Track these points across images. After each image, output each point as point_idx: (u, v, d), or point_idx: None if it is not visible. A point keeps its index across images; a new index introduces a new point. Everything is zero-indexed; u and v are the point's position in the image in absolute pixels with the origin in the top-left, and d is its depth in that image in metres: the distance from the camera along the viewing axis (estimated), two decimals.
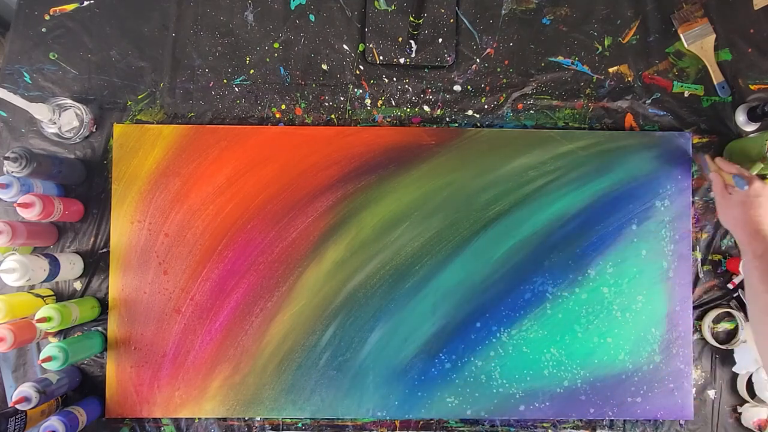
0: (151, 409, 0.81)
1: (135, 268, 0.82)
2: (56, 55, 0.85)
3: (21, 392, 0.69)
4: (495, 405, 0.82)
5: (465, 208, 0.83)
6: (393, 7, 0.86)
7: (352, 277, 0.82)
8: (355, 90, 0.86)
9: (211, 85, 0.86)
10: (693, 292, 0.84)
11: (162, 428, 0.82)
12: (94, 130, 0.84)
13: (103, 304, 0.82)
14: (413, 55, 0.86)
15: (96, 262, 0.83)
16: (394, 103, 0.86)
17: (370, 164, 0.83)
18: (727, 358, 0.84)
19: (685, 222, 0.84)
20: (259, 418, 0.82)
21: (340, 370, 0.82)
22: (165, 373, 0.81)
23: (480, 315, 0.82)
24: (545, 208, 0.83)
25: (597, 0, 0.87)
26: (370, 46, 0.86)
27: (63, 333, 0.82)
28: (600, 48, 0.87)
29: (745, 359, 0.82)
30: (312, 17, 0.87)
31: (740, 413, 0.84)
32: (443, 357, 0.82)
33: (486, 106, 0.87)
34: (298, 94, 0.86)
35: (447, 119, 0.86)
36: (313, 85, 0.86)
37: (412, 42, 0.85)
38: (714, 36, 0.86)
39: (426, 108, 0.86)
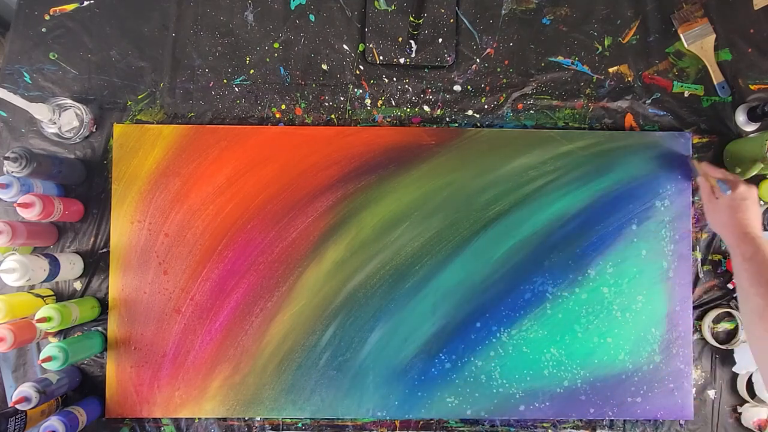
0: (151, 409, 0.81)
1: (135, 268, 0.82)
2: (56, 55, 0.85)
3: (21, 392, 0.69)
4: (495, 405, 0.82)
5: (465, 208, 0.83)
6: (393, 7, 0.86)
7: (352, 277, 0.82)
8: (355, 90, 0.86)
9: (211, 85, 0.86)
10: (693, 292, 0.84)
11: (162, 428, 0.82)
12: (94, 130, 0.84)
13: (103, 304, 0.82)
14: (413, 55, 0.86)
15: (96, 262, 0.83)
16: (394, 103, 0.86)
17: (370, 164, 0.83)
18: (727, 358, 0.84)
19: (685, 222, 0.84)
20: (259, 418, 0.82)
21: (340, 370, 0.82)
22: (165, 373, 0.81)
23: (480, 315, 0.82)
24: (545, 208, 0.83)
25: (597, 0, 0.87)
26: (370, 46, 0.86)
27: (63, 333, 0.82)
28: (600, 48, 0.87)
29: (745, 359, 0.82)
30: (312, 17, 0.87)
31: (740, 413, 0.84)
32: (443, 357, 0.82)
33: (486, 106, 0.87)
34: (298, 94, 0.86)
35: (447, 119, 0.86)
36: (313, 85, 0.86)
37: (412, 42, 0.85)
38: (714, 36, 0.86)
39: (426, 108, 0.86)
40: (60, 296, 0.82)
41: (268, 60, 0.86)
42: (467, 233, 0.83)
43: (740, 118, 0.85)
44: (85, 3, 0.85)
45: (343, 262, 0.82)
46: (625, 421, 0.84)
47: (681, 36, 0.86)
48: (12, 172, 0.72)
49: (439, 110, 0.86)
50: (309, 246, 0.82)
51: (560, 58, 0.87)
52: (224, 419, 0.82)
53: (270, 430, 0.82)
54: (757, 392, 0.81)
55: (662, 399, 0.82)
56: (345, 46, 0.87)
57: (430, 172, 0.83)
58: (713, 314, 0.84)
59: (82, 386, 0.81)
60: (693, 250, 0.85)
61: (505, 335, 0.83)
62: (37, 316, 0.71)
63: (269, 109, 0.86)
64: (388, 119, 0.86)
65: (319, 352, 0.82)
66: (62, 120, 0.81)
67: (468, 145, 0.84)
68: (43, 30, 0.85)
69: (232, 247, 0.82)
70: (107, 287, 0.82)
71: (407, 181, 0.83)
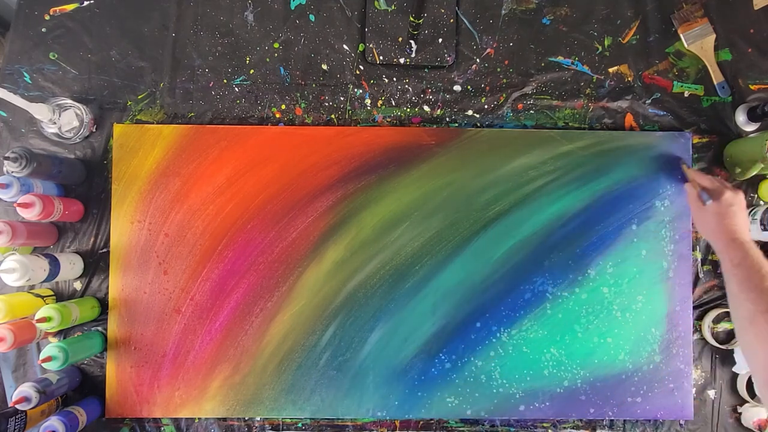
0: (151, 409, 0.81)
1: (135, 268, 0.82)
2: (56, 55, 0.85)
3: (21, 392, 0.69)
4: (495, 405, 0.82)
5: (465, 208, 0.83)
6: (393, 7, 0.86)
7: (352, 277, 0.82)
8: (355, 90, 0.86)
9: (211, 85, 0.86)
10: (693, 292, 0.84)
11: (162, 428, 0.82)
12: (94, 130, 0.84)
13: (103, 304, 0.82)
14: (413, 55, 0.86)
15: (96, 262, 0.83)
16: (394, 103, 0.86)
17: (370, 164, 0.83)
18: (727, 358, 0.84)
19: (685, 222, 0.84)
20: (259, 418, 0.82)
21: (340, 370, 0.82)
22: (165, 373, 0.81)
23: (480, 315, 0.82)
24: (545, 208, 0.83)
25: (597, 0, 0.87)
26: (370, 46, 0.86)
27: (63, 333, 0.82)
28: (600, 48, 0.87)
29: None
30: (312, 17, 0.87)
31: (740, 413, 0.84)
32: (443, 357, 0.82)
33: (486, 106, 0.87)
34: (298, 94, 0.86)
35: (447, 119, 0.86)
36: (313, 85, 0.86)
37: (412, 42, 0.85)
38: (714, 36, 0.86)
39: (426, 108, 0.86)
40: (60, 296, 0.82)
41: (268, 60, 0.86)
42: (467, 233, 0.83)
43: (740, 118, 0.85)
44: (85, 3, 0.85)
45: (343, 262, 0.82)
46: (625, 421, 0.84)
47: (681, 36, 0.86)
48: (12, 172, 0.72)
49: (439, 110, 0.86)
50: (309, 246, 0.82)
51: (560, 58, 0.87)
52: (224, 419, 0.82)
53: (270, 430, 0.82)
54: (757, 392, 0.81)
55: (662, 399, 0.82)
56: (345, 46, 0.87)
57: (430, 172, 0.83)
58: (713, 314, 0.84)
59: (82, 386, 0.81)
60: (693, 250, 0.85)
61: (505, 335, 0.83)
62: (37, 316, 0.71)
63: (269, 109, 0.86)
64: (388, 119, 0.86)
65: (319, 352, 0.82)
66: (62, 120, 0.81)
67: (468, 145, 0.84)
68: (43, 30, 0.85)
69: (232, 247, 0.82)
70: (107, 287, 0.82)
71: (407, 181, 0.83)
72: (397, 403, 0.82)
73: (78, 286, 0.82)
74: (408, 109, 0.86)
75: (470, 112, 0.87)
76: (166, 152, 0.82)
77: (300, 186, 0.83)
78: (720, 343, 0.84)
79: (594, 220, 0.83)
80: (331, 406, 0.82)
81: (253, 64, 0.86)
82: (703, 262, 0.85)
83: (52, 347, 0.71)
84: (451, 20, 0.86)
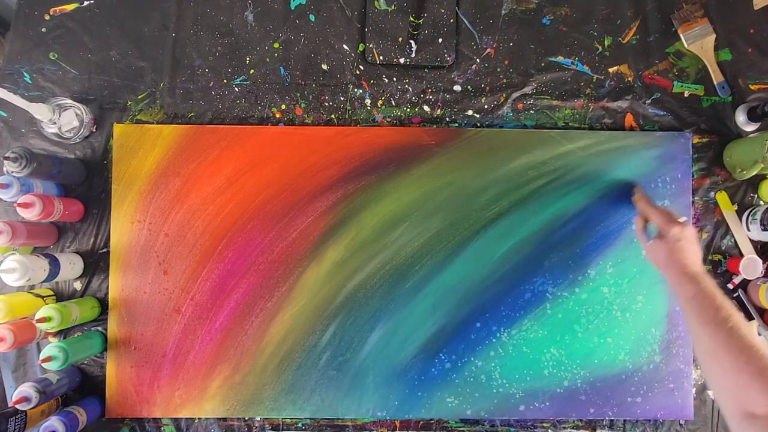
0: (151, 409, 0.81)
1: (135, 268, 0.82)
2: (56, 55, 0.85)
3: (21, 392, 0.69)
4: (495, 405, 0.82)
5: (465, 208, 0.83)
6: (393, 7, 0.86)
7: (352, 277, 0.82)
8: (355, 90, 0.86)
9: (211, 85, 0.86)
10: None
11: (162, 428, 0.82)
12: (94, 130, 0.84)
13: (103, 304, 0.82)
14: (413, 55, 0.86)
15: (96, 262, 0.83)
16: (394, 103, 0.86)
17: (370, 164, 0.83)
18: None
19: None
20: (259, 418, 0.82)
21: (340, 370, 0.82)
22: (165, 373, 0.81)
23: (480, 315, 0.82)
24: (545, 208, 0.83)
25: (597, 0, 0.87)
26: (370, 46, 0.86)
27: (63, 333, 0.82)
28: (600, 48, 0.87)
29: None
30: (312, 17, 0.87)
31: None
32: (443, 357, 0.82)
33: (486, 106, 0.87)
34: (298, 94, 0.86)
35: (447, 119, 0.86)
36: (313, 85, 0.86)
37: (412, 42, 0.85)
38: (714, 36, 0.86)
39: (426, 108, 0.86)
40: (60, 296, 0.82)
41: (268, 60, 0.86)
42: (467, 233, 0.83)
43: (740, 118, 0.85)
44: (85, 3, 0.85)
45: (343, 262, 0.82)
46: (625, 421, 0.84)
47: (681, 36, 0.86)
48: (12, 172, 0.72)
49: (439, 110, 0.86)
50: (309, 246, 0.82)
51: (560, 58, 0.87)
52: (224, 419, 0.82)
53: (270, 430, 0.82)
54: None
55: (662, 399, 0.82)
56: (345, 46, 0.87)
57: (430, 172, 0.83)
58: None
59: (82, 386, 0.81)
60: None
61: (505, 335, 0.83)
62: (37, 316, 0.71)
63: (269, 109, 0.86)
64: (388, 119, 0.86)
65: (319, 352, 0.82)
66: (62, 120, 0.81)
67: (468, 145, 0.84)
68: (43, 30, 0.85)
69: (232, 247, 0.82)
70: (107, 287, 0.82)
71: (407, 181, 0.83)
72: (397, 403, 0.82)
73: (78, 286, 0.82)
74: (408, 109, 0.86)
75: (470, 112, 0.87)
76: (166, 152, 0.82)
77: (300, 186, 0.83)
78: None
79: (594, 220, 0.83)
80: (331, 406, 0.82)
81: (253, 64, 0.86)
82: (703, 262, 0.85)
83: (52, 347, 0.71)
84: (451, 20, 0.86)
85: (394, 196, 0.83)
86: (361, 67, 0.87)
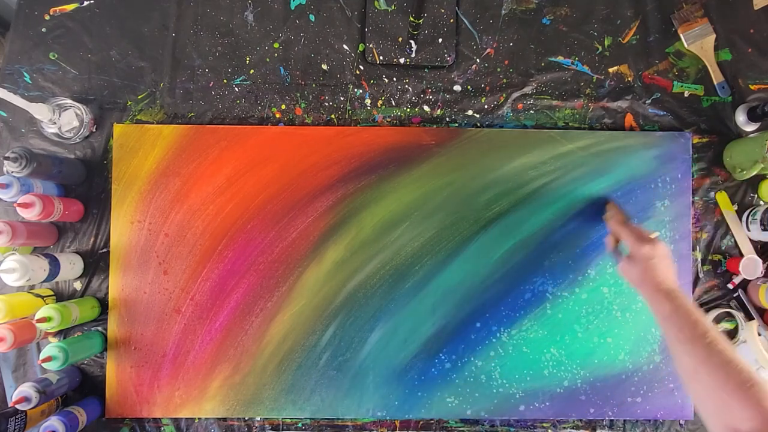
0: (151, 409, 0.81)
1: (135, 268, 0.82)
2: (56, 55, 0.85)
3: (21, 392, 0.69)
4: (495, 405, 0.82)
5: (465, 208, 0.83)
6: (393, 7, 0.86)
7: (352, 277, 0.82)
8: (355, 90, 0.86)
9: (211, 85, 0.86)
10: (693, 292, 0.84)
11: (162, 428, 0.82)
12: (94, 130, 0.84)
13: (103, 304, 0.82)
14: (413, 55, 0.86)
15: (96, 262, 0.83)
16: (394, 103, 0.86)
17: (370, 164, 0.83)
18: None
19: (685, 222, 0.84)
20: (259, 418, 0.82)
21: (340, 370, 0.82)
22: (165, 373, 0.81)
23: (480, 315, 0.82)
24: (545, 208, 0.83)
25: (597, 0, 0.87)
26: (370, 46, 0.86)
27: (63, 333, 0.82)
28: (600, 48, 0.87)
29: (745, 359, 0.82)
30: (312, 17, 0.87)
31: None
32: (443, 357, 0.82)
33: (486, 106, 0.87)
34: (298, 94, 0.86)
35: (447, 119, 0.86)
36: (313, 85, 0.86)
37: (412, 42, 0.85)
38: (714, 36, 0.86)
39: (426, 108, 0.86)
40: (60, 296, 0.82)
41: (268, 60, 0.86)
42: (467, 233, 0.83)
43: (740, 118, 0.85)
44: (85, 3, 0.85)
45: (343, 262, 0.82)
46: (625, 421, 0.84)
47: (681, 36, 0.86)
48: (12, 172, 0.72)
49: (439, 110, 0.86)
50: (309, 246, 0.82)
51: (560, 58, 0.87)
52: (224, 419, 0.82)
53: (270, 430, 0.82)
54: None
55: (662, 399, 0.82)
56: (345, 46, 0.87)
57: (430, 172, 0.83)
58: (713, 314, 0.84)
59: (82, 386, 0.81)
60: (693, 250, 0.85)
61: (505, 335, 0.83)
62: (37, 316, 0.71)
63: (269, 109, 0.86)
64: (388, 119, 0.86)
65: (319, 352, 0.82)
66: (62, 120, 0.81)
67: (468, 145, 0.84)
68: (43, 30, 0.85)
69: (232, 247, 0.82)
70: (107, 287, 0.82)
71: (407, 181, 0.83)
72: (397, 403, 0.82)
73: (78, 286, 0.82)
74: (408, 109, 0.86)
75: (470, 112, 0.87)
76: (166, 152, 0.82)
77: (300, 186, 0.83)
78: None
79: (594, 219, 0.83)
80: (331, 406, 0.82)
81: (253, 64, 0.86)
82: (703, 262, 0.85)
83: (52, 347, 0.71)
84: (451, 20, 0.86)
85: (394, 196, 0.83)
86: (361, 67, 0.87)
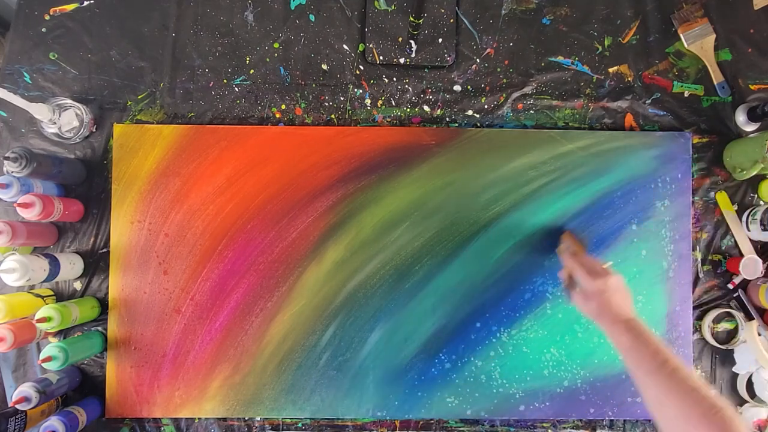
0: (151, 409, 0.81)
1: (135, 268, 0.82)
2: (56, 55, 0.85)
3: (21, 392, 0.69)
4: (495, 405, 0.82)
5: (465, 208, 0.83)
6: (393, 7, 0.86)
7: (352, 277, 0.82)
8: (355, 90, 0.86)
9: (211, 85, 0.86)
10: (693, 292, 0.84)
11: (162, 428, 0.82)
12: (94, 130, 0.84)
13: (103, 304, 0.82)
14: (413, 55, 0.86)
15: (96, 262, 0.83)
16: (394, 103, 0.86)
17: (370, 164, 0.83)
18: (727, 358, 0.84)
19: (685, 222, 0.84)
20: (259, 418, 0.82)
21: (340, 370, 0.82)
22: (165, 373, 0.81)
23: (480, 315, 0.82)
24: (545, 208, 0.83)
25: (597, 0, 0.87)
26: (370, 46, 0.86)
27: (63, 333, 0.82)
28: (600, 48, 0.87)
29: (745, 359, 0.82)
30: (312, 17, 0.87)
31: (740, 413, 0.84)
32: (443, 357, 0.82)
33: (486, 106, 0.87)
34: (298, 94, 0.86)
35: (447, 119, 0.86)
36: (313, 85, 0.86)
37: (412, 42, 0.85)
38: (714, 36, 0.86)
39: (426, 108, 0.86)
40: (60, 296, 0.82)
41: (268, 60, 0.86)
42: (467, 233, 0.83)
43: (740, 118, 0.85)
44: (85, 3, 0.85)
45: (343, 262, 0.82)
46: (625, 421, 0.84)
47: (681, 36, 0.86)
48: (12, 172, 0.72)
49: (439, 110, 0.86)
50: (309, 246, 0.82)
51: (560, 58, 0.87)
52: (224, 419, 0.82)
53: (270, 430, 0.82)
54: (757, 392, 0.81)
55: None
56: (345, 46, 0.87)
57: (430, 172, 0.83)
58: (713, 314, 0.84)
59: (82, 386, 0.81)
60: (693, 250, 0.85)
61: (505, 335, 0.83)
62: (37, 316, 0.71)
63: (269, 109, 0.86)
64: (388, 119, 0.86)
65: (319, 352, 0.82)
66: (62, 120, 0.81)
67: (468, 145, 0.84)
68: (43, 30, 0.85)
69: (232, 247, 0.82)
70: (107, 287, 0.82)
71: (407, 181, 0.83)
72: (397, 403, 0.82)
73: (78, 286, 0.82)
74: (408, 109, 0.86)
75: (470, 112, 0.87)
76: (166, 152, 0.82)
77: (300, 186, 0.83)
78: (720, 343, 0.84)
79: (594, 220, 0.83)
80: (331, 406, 0.82)
81: (253, 64, 0.86)
82: (703, 262, 0.85)
83: (52, 347, 0.71)
84: (451, 20, 0.86)
85: (394, 196, 0.83)
86: (361, 67, 0.87)
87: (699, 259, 0.85)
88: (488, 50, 0.87)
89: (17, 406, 0.69)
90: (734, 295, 0.85)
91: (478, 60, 0.87)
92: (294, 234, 0.82)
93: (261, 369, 0.81)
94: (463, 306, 0.82)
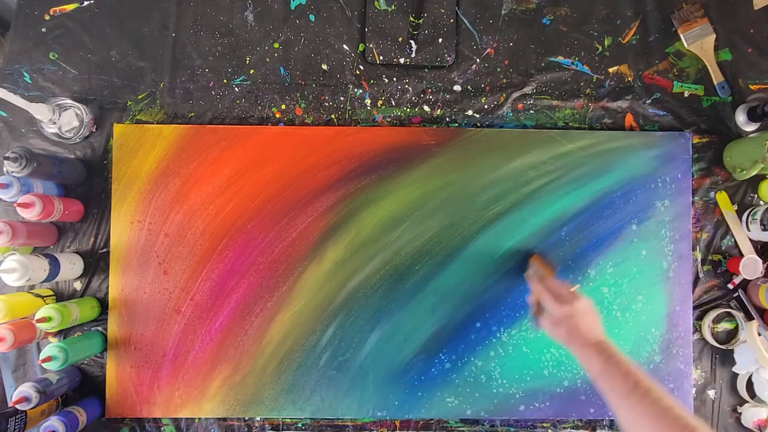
0: (151, 409, 0.81)
1: (135, 268, 0.82)
2: (56, 55, 0.85)
3: (21, 392, 0.69)
4: (495, 405, 0.82)
5: (465, 208, 0.83)
6: (393, 7, 0.86)
7: (352, 277, 0.82)
8: (355, 90, 0.86)
9: (211, 85, 0.86)
10: (693, 292, 0.84)
11: (162, 428, 0.82)
12: (94, 130, 0.84)
13: (103, 304, 0.82)
14: (413, 55, 0.86)
15: (96, 262, 0.83)
16: (394, 103, 0.86)
17: (370, 164, 0.83)
18: (727, 358, 0.84)
19: (685, 222, 0.84)
20: (259, 418, 0.82)
21: (340, 370, 0.82)
22: (165, 373, 0.81)
23: (480, 315, 0.82)
24: (545, 208, 0.83)
25: (597, 0, 0.87)
26: (370, 46, 0.86)
27: (63, 333, 0.82)
28: (600, 48, 0.87)
29: (745, 359, 0.82)
30: (312, 17, 0.87)
31: (740, 413, 0.84)
32: (443, 357, 0.82)
33: (486, 106, 0.87)
34: (298, 94, 0.86)
35: (447, 119, 0.86)
36: (313, 85, 0.86)
37: (412, 42, 0.85)
38: (714, 36, 0.86)
39: (426, 108, 0.86)
40: (60, 296, 0.82)
41: (268, 60, 0.86)
42: (467, 233, 0.83)
43: (740, 118, 0.85)
44: (85, 3, 0.85)
45: (343, 262, 0.82)
46: None
47: (681, 36, 0.86)
48: (12, 172, 0.72)
49: (439, 110, 0.86)
50: (309, 246, 0.82)
51: (560, 58, 0.87)
52: (224, 419, 0.82)
53: (270, 430, 0.82)
54: (757, 392, 0.81)
55: None
56: (345, 46, 0.87)
57: (430, 172, 0.83)
58: (713, 314, 0.84)
59: (82, 386, 0.81)
60: (693, 250, 0.85)
61: (505, 335, 0.83)
62: (37, 316, 0.71)
63: (269, 109, 0.86)
64: (388, 119, 0.86)
65: (319, 352, 0.82)
66: (62, 120, 0.81)
67: (468, 145, 0.84)
68: (43, 30, 0.85)
69: (232, 247, 0.82)
70: (107, 287, 0.82)
71: (407, 181, 0.83)
72: (397, 403, 0.82)
73: (78, 286, 0.82)
74: (408, 109, 0.86)
75: (470, 112, 0.87)
76: (166, 152, 0.82)
77: (300, 186, 0.83)
78: (720, 343, 0.84)
79: (594, 220, 0.83)
80: (331, 406, 0.82)
81: (253, 64, 0.86)
82: (703, 262, 0.85)
83: (52, 347, 0.71)
84: (451, 20, 0.86)
85: (394, 196, 0.83)
86: (361, 67, 0.87)
87: (699, 259, 0.85)
88: (488, 50, 0.87)
89: (17, 406, 0.69)
90: (734, 295, 0.85)
91: (478, 60, 0.87)
92: (294, 234, 0.82)
93: (261, 369, 0.81)
94: (463, 306, 0.82)
